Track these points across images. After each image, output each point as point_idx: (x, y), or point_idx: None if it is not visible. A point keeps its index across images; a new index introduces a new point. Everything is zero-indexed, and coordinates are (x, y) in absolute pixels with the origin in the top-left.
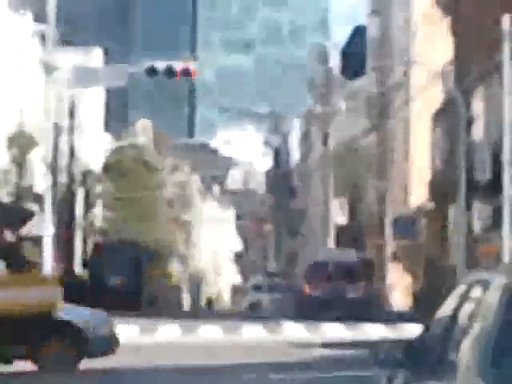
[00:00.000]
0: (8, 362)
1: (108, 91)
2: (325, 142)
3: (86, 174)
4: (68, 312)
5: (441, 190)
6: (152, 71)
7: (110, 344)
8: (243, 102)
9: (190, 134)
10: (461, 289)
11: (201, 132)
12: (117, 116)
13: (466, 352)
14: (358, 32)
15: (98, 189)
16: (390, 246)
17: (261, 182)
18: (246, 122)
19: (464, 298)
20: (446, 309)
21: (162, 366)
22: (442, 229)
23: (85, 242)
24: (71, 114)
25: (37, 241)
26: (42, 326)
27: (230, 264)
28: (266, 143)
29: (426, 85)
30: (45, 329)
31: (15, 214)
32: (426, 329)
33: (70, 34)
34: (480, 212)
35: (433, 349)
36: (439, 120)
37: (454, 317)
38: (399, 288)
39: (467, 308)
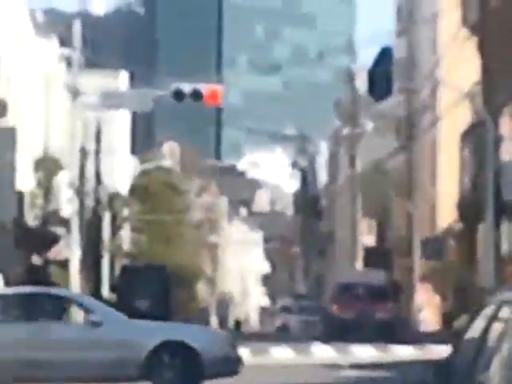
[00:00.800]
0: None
1: (134, 114)
2: (352, 164)
3: (113, 197)
4: (182, 332)
5: (469, 210)
6: (178, 94)
7: (229, 365)
8: (270, 123)
9: (217, 156)
10: (490, 309)
11: (228, 154)
12: (143, 139)
13: (495, 373)
14: (385, 53)
15: (125, 212)
16: (419, 267)
17: (288, 204)
18: (273, 143)
19: (493, 318)
20: (475, 329)
21: None
22: (470, 249)
23: (112, 265)
24: (97, 138)
25: (64, 264)
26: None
27: (258, 286)
28: (294, 165)
29: (454, 105)
30: (158, 350)
31: (42, 237)
32: (455, 350)
33: (96, 58)
34: (509, 232)
35: (463, 370)
36: (467, 140)
37: (483, 337)
38: (428, 309)
39: (496, 328)
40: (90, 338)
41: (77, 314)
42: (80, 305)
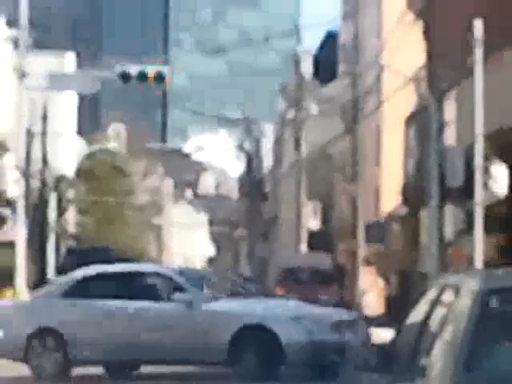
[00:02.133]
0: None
1: (80, 96)
2: (297, 147)
3: (59, 178)
4: (265, 314)
5: (413, 195)
6: (125, 76)
7: (321, 352)
8: (216, 106)
9: (163, 139)
10: (432, 293)
11: (173, 137)
12: (89, 120)
13: (437, 357)
14: (330, 37)
15: (71, 194)
16: (363, 251)
17: (233, 187)
18: (219, 126)
19: (435, 302)
20: (417, 313)
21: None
22: (414, 234)
23: (58, 247)
24: (44, 119)
25: (10, 246)
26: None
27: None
28: (239, 148)
29: (398, 89)
30: (240, 333)
31: None
32: (398, 334)
33: (43, 39)
34: (452, 217)
35: (405, 354)
36: (411, 125)
37: (425, 321)
38: (372, 293)
39: (438, 312)
40: (181, 318)
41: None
42: (175, 282)
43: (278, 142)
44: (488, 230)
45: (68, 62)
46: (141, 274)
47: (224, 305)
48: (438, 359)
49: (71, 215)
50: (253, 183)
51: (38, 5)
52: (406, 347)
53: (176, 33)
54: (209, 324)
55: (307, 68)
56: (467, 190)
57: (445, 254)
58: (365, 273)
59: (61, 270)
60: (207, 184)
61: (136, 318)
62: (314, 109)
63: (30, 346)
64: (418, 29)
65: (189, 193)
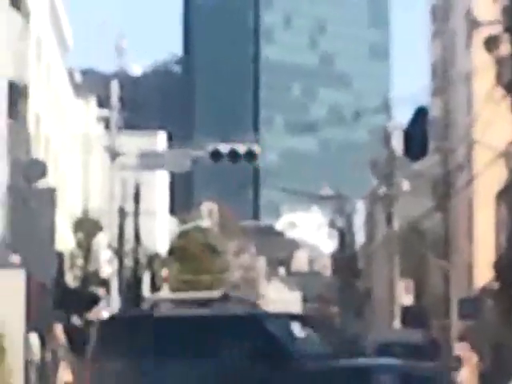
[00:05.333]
0: None
1: (173, 174)
2: (389, 223)
3: (152, 257)
4: None
5: (506, 269)
6: (216, 155)
7: None
8: (307, 183)
9: (255, 217)
10: None
11: (265, 214)
12: (182, 199)
13: None
14: (421, 113)
15: (164, 272)
16: (456, 327)
17: (326, 264)
18: (310, 203)
19: None
20: None
21: None
22: (507, 308)
23: None
24: (136, 198)
25: None
26: None
27: None
28: (331, 225)
29: (490, 164)
30: None
31: (82, 298)
32: None
33: (134, 119)
34: None
35: None
36: (503, 199)
37: None
38: (466, 368)
39: None
40: None
41: None
42: None
43: (370, 218)
44: None
45: (159, 141)
46: None
47: None
48: None
49: (165, 294)
50: (345, 259)
51: (129, 84)
52: None
53: (266, 111)
54: None
55: (398, 144)
56: None
57: None
58: (459, 348)
59: None
60: (300, 261)
61: None
62: (405, 185)
63: None
64: (507, 103)
65: (282, 270)
